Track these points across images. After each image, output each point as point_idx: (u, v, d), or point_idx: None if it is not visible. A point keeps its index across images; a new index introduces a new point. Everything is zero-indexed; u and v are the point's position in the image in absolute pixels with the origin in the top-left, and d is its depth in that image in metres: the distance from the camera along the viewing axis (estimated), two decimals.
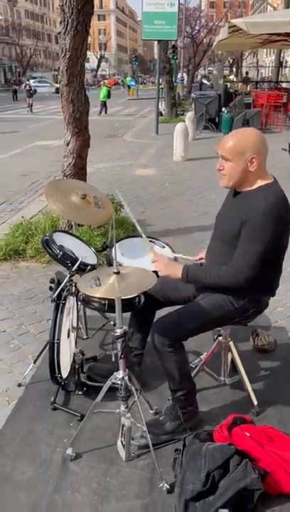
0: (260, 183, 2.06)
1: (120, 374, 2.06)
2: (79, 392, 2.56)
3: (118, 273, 1.88)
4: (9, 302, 3.71)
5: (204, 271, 2.19)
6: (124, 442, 2.15)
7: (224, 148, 2.03)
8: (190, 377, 2.26)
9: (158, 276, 2.28)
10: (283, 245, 2.08)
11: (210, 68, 50.69)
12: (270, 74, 36.34)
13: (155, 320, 2.35)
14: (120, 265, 2.00)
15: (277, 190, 2.04)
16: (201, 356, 2.67)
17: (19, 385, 2.69)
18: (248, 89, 21.15)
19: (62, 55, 3.99)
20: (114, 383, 2.08)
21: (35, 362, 2.74)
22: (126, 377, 2.06)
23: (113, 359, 2.04)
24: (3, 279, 4.13)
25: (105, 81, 29.75)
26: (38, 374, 2.74)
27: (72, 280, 2.33)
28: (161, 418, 2.29)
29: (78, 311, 2.76)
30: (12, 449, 2.26)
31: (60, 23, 3.88)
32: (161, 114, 17.53)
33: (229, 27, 11.78)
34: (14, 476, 2.11)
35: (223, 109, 13.60)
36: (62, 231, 2.83)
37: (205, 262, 2.37)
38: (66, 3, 3.77)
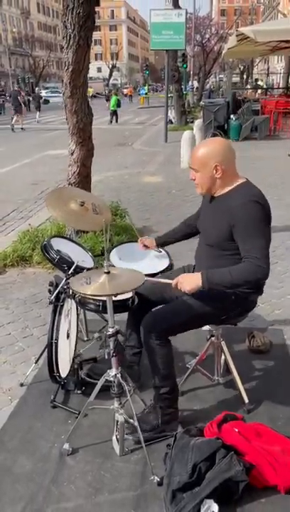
0: (232, 185, 2.20)
1: (113, 371, 2.16)
2: (78, 391, 2.67)
3: (108, 273, 1.99)
4: (15, 306, 3.84)
5: (223, 272, 2.11)
6: (118, 437, 2.25)
7: (192, 160, 2.23)
8: (174, 378, 2.34)
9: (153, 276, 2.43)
10: (270, 239, 2.19)
11: (220, 76, 50.89)
12: (279, 80, 36.41)
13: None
14: (112, 266, 2.11)
15: (251, 187, 2.20)
16: (197, 357, 2.77)
17: (21, 384, 2.81)
18: (256, 96, 21.22)
19: (66, 68, 4.16)
20: (107, 380, 2.19)
21: (36, 362, 2.86)
22: (119, 375, 2.16)
23: (106, 357, 2.15)
24: (10, 284, 4.27)
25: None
26: (40, 374, 2.85)
27: (68, 283, 2.45)
28: (145, 414, 2.37)
29: (78, 315, 2.89)
30: (13, 444, 2.37)
31: (63, 38, 4.04)
32: (171, 122, 17.73)
33: (237, 35, 11.93)
34: (14, 469, 2.22)
35: (231, 116, 13.72)
36: (62, 237, 2.97)
37: (196, 267, 2.47)
38: (68, 19, 3.94)
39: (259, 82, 38.13)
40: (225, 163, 2.16)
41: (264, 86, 32.93)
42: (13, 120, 20.16)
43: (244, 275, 2.06)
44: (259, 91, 24.94)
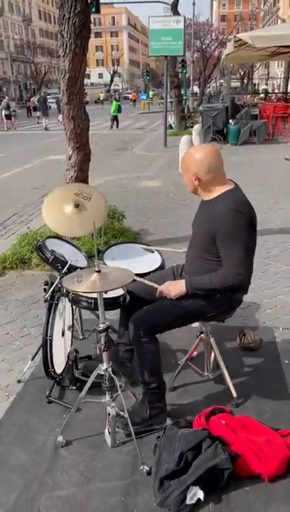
0: (217, 192, 2.30)
1: (104, 366, 2.26)
2: (73, 388, 2.76)
3: (99, 271, 2.09)
4: (14, 307, 3.95)
5: (204, 278, 2.28)
6: (110, 430, 2.34)
7: (182, 161, 2.39)
8: (161, 374, 2.43)
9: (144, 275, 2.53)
10: (253, 244, 2.28)
11: (221, 81, 51.22)
12: (280, 84, 36.59)
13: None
14: (103, 265, 2.21)
15: (236, 195, 2.27)
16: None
17: (18, 381, 2.91)
18: (255, 100, 21.37)
19: (62, 75, 4.28)
20: (99, 375, 2.28)
21: (33, 359, 2.95)
22: (110, 369, 2.25)
23: (97, 352, 2.24)
24: (9, 285, 4.38)
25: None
26: (36, 372, 2.94)
27: (62, 281, 2.55)
28: (135, 408, 2.46)
29: (73, 314, 2.98)
30: (9, 437, 2.46)
31: (60, 46, 4.17)
32: (171, 127, 17.88)
33: (235, 41, 12.10)
34: (10, 460, 2.31)
35: (230, 120, 13.84)
36: (57, 237, 3.05)
37: (185, 267, 2.57)
38: (65, 29, 4.07)
39: (264, 87, 38.31)
40: (204, 174, 2.26)
41: (269, 90, 33.03)
42: (44, 122, 23.27)
43: (223, 281, 2.23)
44: (258, 96, 25.10)
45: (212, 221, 2.24)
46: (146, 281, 2.48)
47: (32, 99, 32.19)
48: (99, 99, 49.19)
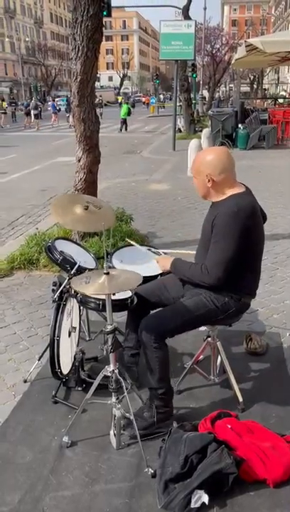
0: (229, 193, 2.30)
1: (110, 367, 2.26)
2: (79, 388, 2.77)
3: (108, 274, 2.10)
4: (21, 307, 3.97)
5: (188, 264, 2.42)
6: (115, 432, 2.34)
7: (192, 165, 2.39)
8: (169, 380, 2.43)
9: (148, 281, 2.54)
10: (255, 250, 2.29)
11: (230, 85, 51.23)
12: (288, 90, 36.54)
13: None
14: (111, 267, 2.23)
15: (243, 200, 2.27)
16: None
17: (25, 381, 2.92)
18: (265, 105, 21.34)
19: (74, 78, 4.32)
20: (106, 376, 2.29)
21: (39, 359, 2.97)
22: (116, 371, 2.26)
23: (104, 353, 2.25)
24: (17, 286, 4.40)
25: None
26: (43, 372, 2.96)
27: (70, 282, 2.56)
28: (141, 411, 2.45)
29: (80, 315, 3.00)
30: (15, 436, 2.47)
31: (72, 49, 4.21)
32: (180, 131, 17.91)
33: (246, 46, 12.10)
34: (15, 459, 2.32)
35: (239, 125, 13.85)
36: (66, 239, 3.07)
37: None
38: (77, 32, 4.10)
39: (282, 93, 38.19)
40: (217, 174, 2.26)
41: (286, 96, 32.83)
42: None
43: (194, 275, 2.34)
44: (268, 101, 25.05)
45: (212, 222, 2.26)
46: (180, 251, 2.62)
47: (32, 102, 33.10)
48: (108, 101, 49.41)
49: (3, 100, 32.11)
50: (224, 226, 2.20)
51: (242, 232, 2.20)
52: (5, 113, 28.13)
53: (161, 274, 2.78)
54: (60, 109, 30.04)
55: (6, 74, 59.77)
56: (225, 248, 2.21)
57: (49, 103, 34.74)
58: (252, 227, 2.23)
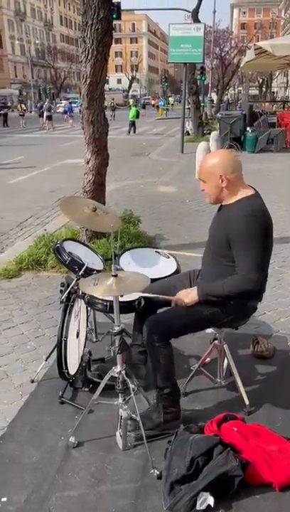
0: (239, 196, 2.30)
1: (118, 368, 2.27)
2: (86, 389, 2.78)
3: (116, 276, 2.12)
4: (29, 308, 3.99)
5: (217, 285, 2.30)
6: (121, 433, 2.35)
7: (200, 172, 2.38)
8: (174, 379, 2.43)
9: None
10: (266, 252, 2.28)
11: (239, 88, 51.20)
12: None
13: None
14: (120, 270, 2.24)
15: (255, 202, 2.27)
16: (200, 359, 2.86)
17: (32, 381, 2.94)
18: (273, 109, 21.30)
19: (83, 81, 4.35)
20: (112, 377, 2.30)
21: (46, 360, 2.99)
22: (123, 372, 2.27)
23: (111, 354, 2.26)
24: (25, 286, 4.43)
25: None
26: (50, 372, 2.97)
27: (78, 284, 2.58)
28: (148, 412, 2.46)
29: (88, 316, 3.01)
30: (22, 436, 2.49)
31: (82, 52, 4.24)
32: (188, 134, 17.92)
33: (255, 49, 12.12)
34: (22, 459, 2.34)
35: (248, 128, 13.82)
36: (74, 240, 3.09)
37: (201, 270, 2.58)
38: (87, 35, 4.13)
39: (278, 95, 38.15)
40: (230, 173, 2.27)
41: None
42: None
43: (236, 288, 2.24)
44: (277, 104, 25.02)
45: (227, 225, 2.25)
46: (159, 296, 2.49)
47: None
48: (118, 104, 49.56)
49: (21, 102, 32.99)
50: (246, 228, 2.18)
51: (265, 230, 2.22)
52: (23, 115, 28.98)
53: (170, 276, 2.78)
54: (72, 111, 30.42)
55: (16, 76, 60.24)
56: (255, 249, 2.20)
57: (60, 105, 35.37)
58: (267, 229, 2.24)
